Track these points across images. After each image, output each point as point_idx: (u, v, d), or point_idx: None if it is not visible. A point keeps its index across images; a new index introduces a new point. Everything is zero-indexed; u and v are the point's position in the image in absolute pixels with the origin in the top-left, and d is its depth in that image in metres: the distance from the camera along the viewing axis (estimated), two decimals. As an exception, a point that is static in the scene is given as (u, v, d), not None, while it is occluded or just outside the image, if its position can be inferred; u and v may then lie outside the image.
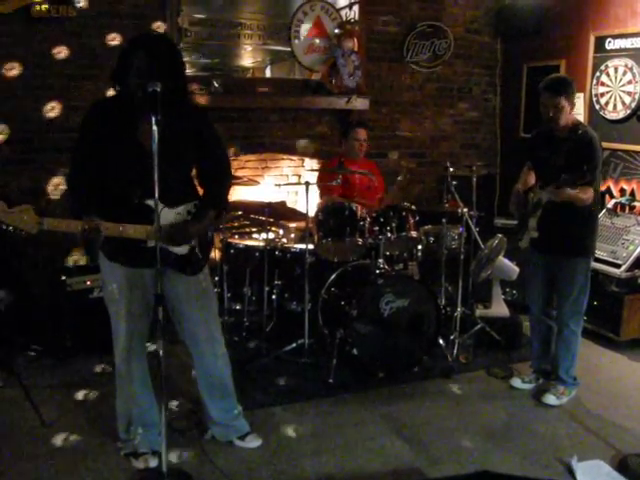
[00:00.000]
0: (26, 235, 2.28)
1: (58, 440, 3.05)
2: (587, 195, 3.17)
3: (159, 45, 2.47)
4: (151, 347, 2.93)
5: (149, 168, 2.34)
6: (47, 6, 4.08)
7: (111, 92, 2.63)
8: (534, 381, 3.69)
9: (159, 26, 4.47)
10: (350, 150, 4.47)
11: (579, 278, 3.37)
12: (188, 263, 2.68)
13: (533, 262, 3.55)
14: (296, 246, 4.20)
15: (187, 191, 2.70)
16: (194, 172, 2.78)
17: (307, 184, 3.86)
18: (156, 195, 2.30)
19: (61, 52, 4.27)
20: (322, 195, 4.41)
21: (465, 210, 4.15)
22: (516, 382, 3.70)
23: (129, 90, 2.45)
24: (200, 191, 2.78)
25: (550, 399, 3.48)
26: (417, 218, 4.04)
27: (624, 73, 4.53)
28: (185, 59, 4.94)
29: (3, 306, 3.83)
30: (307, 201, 3.80)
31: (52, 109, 4.31)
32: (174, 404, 3.35)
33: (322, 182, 4.35)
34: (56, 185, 4.34)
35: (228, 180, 2.85)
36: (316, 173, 4.49)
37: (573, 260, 3.35)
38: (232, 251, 4.16)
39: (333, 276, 4.02)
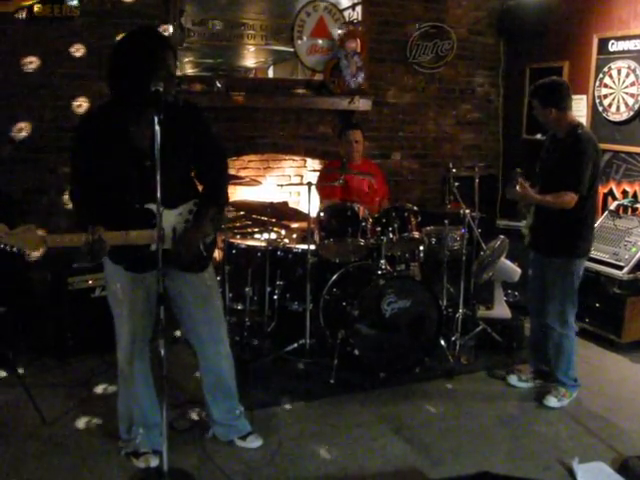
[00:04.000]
0: (31, 257, 2.25)
1: (59, 439, 3.05)
2: (560, 200, 3.15)
3: (160, 41, 2.44)
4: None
5: (146, 171, 2.33)
6: (50, 6, 4.09)
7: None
8: (531, 381, 3.68)
9: (165, 28, 4.47)
10: (346, 153, 4.44)
11: (563, 279, 3.32)
12: (193, 261, 2.66)
13: (530, 262, 3.57)
14: (298, 246, 4.19)
15: (186, 191, 2.68)
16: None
17: (309, 184, 3.86)
18: (158, 194, 2.27)
19: (64, 52, 4.28)
20: (322, 199, 4.40)
21: (467, 211, 4.15)
22: (512, 379, 3.71)
23: (129, 89, 2.40)
24: (199, 188, 2.75)
25: (551, 401, 3.47)
26: (419, 219, 4.05)
27: (627, 75, 4.53)
28: (188, 59, 5.00)
29: None
30: (309, 201, 3.80)
31: (55, 109, 4.32)
32: (175, 404, 3.34)
33: (322, 183, 4.34)
34: (59, 185, 4.34)
35: (225, 175, 2.82)
36: (317, 174, 4.49)
37: (555, 260, 3.33)
38: (234, 251, 4.15)
39: (335, 276, 4.02)
